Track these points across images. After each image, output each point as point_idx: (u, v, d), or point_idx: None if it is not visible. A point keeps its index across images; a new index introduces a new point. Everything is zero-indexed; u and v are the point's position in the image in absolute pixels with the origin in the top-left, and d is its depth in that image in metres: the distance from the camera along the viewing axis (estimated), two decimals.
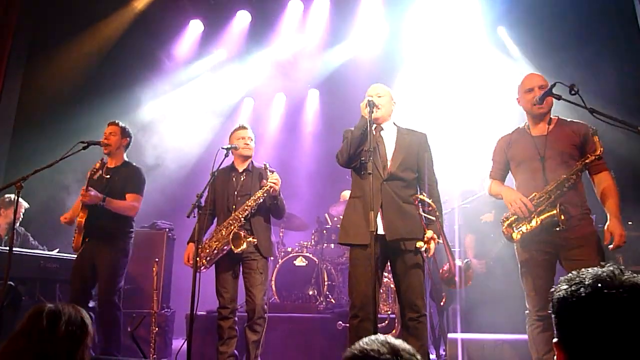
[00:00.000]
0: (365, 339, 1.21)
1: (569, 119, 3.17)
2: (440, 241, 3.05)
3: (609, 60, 5.41)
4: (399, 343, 1.19)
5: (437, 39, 7.08)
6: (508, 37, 6.78)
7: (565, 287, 1.11)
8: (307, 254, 5.98)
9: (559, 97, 2.86)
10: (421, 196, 2.97)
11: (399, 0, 6.85)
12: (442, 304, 4.76)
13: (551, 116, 3.18)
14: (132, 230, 4.20)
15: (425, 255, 3.04)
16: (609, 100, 4.31)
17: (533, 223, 2.97)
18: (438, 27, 6.95)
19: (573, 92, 2.70)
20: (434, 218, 2.99)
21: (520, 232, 3.04)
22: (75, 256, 4.12)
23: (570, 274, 1.14)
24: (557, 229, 2.90)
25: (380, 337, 1.21)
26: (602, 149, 2.91)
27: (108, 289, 3.98)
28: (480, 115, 6.72)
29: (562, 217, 2.87)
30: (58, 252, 4.94)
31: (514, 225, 3.09)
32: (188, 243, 4.00)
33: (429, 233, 3.00)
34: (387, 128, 3.29)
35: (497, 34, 6.87)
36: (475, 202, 5.39)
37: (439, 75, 7.27)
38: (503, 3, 6.42)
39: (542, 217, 2.94)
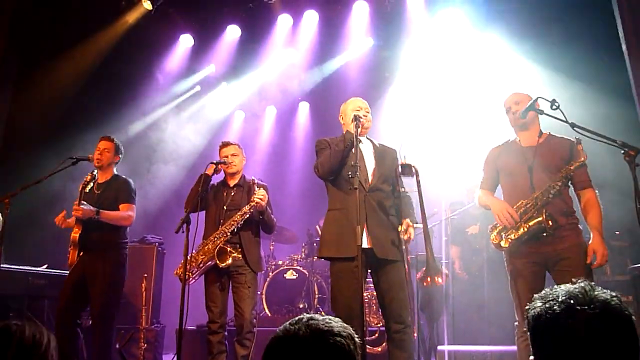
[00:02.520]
0: (290, 320, 1.21)
1: (559, 135, 3.20)
2: (420, 225, 3.08)
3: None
4: (323, 323, 1.17)
5: (425, 52, 7.18)
6: (494, 45, 6.86)
7: (540, 304, 1.14)
8: (298, 267, 5.99)
9: (541, 112, 2.93)
10: (402, 160, 3.04)
11: (387, 14, 6.93)
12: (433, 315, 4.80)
13: (542, 131, 3.22)
14: (126, 240, 4.15)
15: (405, 241, 3.07)
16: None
17: (521, 230, 3.00)
18: (426, 40, 7.04)
19: (554, 106, 2.77)
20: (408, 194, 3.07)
21: (509, 240, 3.05)
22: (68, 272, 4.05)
23: (544, 291, 1.17)
24: (544, 234, 2.93)
25: (305, 317, 1.20)
26: (585, 157, 2.96)
27: (102, 305, 3.85)
28: (468, 126, 6.81)
29: (550, 222, 2.90)
30: (46, 268, 4.89)
31: (502, 233, 3.11)
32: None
33: (407, 221, 3.05)
34: (364, 142, 3.35)
35: (485, 43, 6.95)
36: (462, 214, 5.46)
37: (427, 89, 7.36)
38: (490, 10, 6.51)
39: (530, 223, 2.97)
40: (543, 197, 2.98)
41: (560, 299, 1.10)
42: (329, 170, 3.19)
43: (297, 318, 1.21)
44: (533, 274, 3.02)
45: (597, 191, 3.07)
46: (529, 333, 1.16)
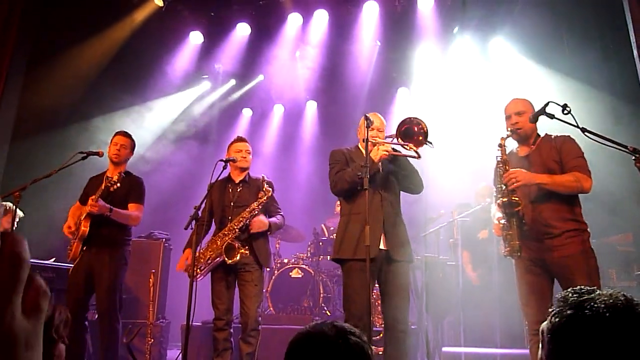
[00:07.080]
0: (313, 323, 1.26)
1: (553, 135, 3.15)
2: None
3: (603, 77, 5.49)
4: (347, 326, 1.23)
5: (434, 52, 7.18)
6: (504, 48, 6.85)
7: (570, 312, 1.09)
8: (303, 266, 6.00)
9: (551, 116, 2.92)
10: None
11: (397, 14, 6.93)
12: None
13: (539, 134, 3.20)
14: (129, 238, 4.18)
15: None
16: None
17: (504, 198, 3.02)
18: (435, 42, 7.04)
19: (565, 111, 2.77)
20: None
21: (508, 247, 3.06)
22: (72, 265, 4.07)
23: (569, 298, 1.15)
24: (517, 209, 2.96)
25: (328, 321, 1.25)
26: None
27: (110, 300, 3.88)
28: (476, 128, 6.80)
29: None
30: (54, 261, 4.92)
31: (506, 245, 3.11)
32: (184, 250, 4.02)
33: None
34: None
35: (493, 45, 6.94)
36: (472, 218, 5.46)
37: (435, 90, 7.36)
38: (498, 15, 6.51)
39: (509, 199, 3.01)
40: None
41: (568, 304, 1.08)
42: (342, 192, 3.26)
43: (322, 321, 1.28)
44: (535, 277, 3.01)
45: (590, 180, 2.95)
46: (548, 341, 1.13)
